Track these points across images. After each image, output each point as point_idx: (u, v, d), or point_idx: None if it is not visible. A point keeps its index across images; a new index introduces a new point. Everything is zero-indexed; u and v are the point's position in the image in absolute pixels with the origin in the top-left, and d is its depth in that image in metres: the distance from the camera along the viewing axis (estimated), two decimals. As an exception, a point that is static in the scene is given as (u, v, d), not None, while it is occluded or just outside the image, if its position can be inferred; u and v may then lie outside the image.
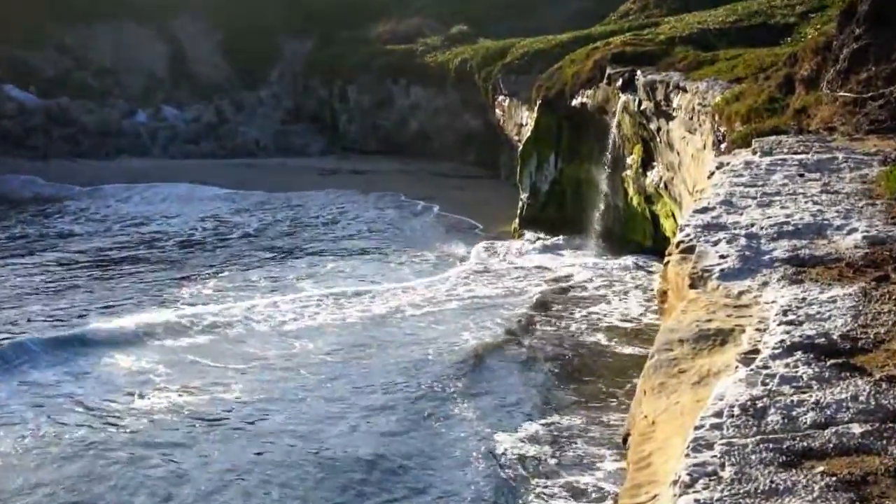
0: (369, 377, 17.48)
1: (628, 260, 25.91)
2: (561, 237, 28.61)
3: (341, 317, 21.20)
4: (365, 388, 16.92)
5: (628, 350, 18.75)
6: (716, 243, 6.30)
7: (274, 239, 30.34)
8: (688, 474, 3.36)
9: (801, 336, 4.48)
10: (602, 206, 27.63)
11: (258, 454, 14.08)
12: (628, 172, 26.29)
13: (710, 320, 5.05)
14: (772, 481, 3.27)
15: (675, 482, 3.36)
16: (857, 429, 3.52)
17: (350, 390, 16.82)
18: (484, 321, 20.90)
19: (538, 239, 28.93)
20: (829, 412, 3.70)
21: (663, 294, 6.71)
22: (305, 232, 31.49)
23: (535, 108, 30.77)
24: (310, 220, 33.45)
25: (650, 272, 24.51)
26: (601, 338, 19.59)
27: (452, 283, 24.21)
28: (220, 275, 25.16)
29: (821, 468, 3.32)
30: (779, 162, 9.23)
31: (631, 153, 26.02)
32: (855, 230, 6.29)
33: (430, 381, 17.24)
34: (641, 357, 17.47)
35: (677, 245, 6.45)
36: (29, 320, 20.68)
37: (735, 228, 6.67)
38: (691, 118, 20.41)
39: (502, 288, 23.71)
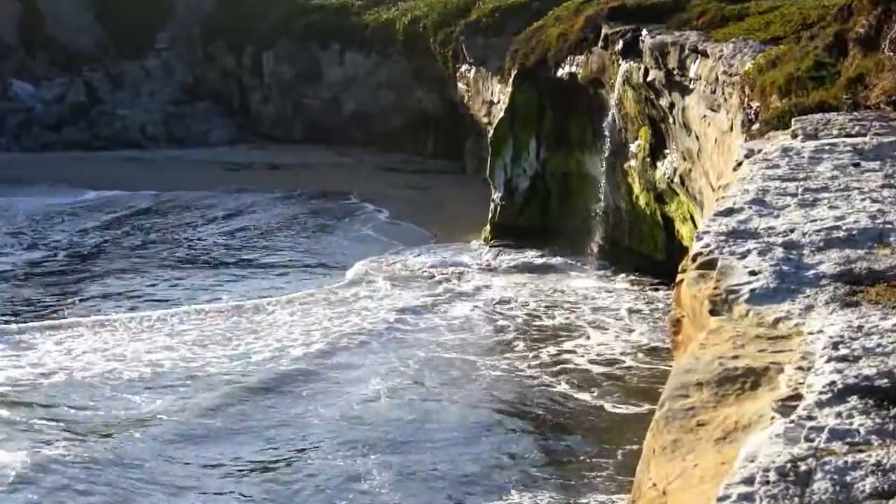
0: (227, 450, 16.98)
1: (625, 282, 26.06)
2: (541, 250, 28.72)
3: (193, 368, 20.81)
4: (221, 467, 16.45)
5: (616, 406, 18.68)
6: (744, 255, 6.31)
7: (117, 262, 29.57)
8: (709, 563, 3.33)
9: (856, 376, 4.48)
10: (599, 208, 27.75)
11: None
12: (633, 163, 26.44)
13: (737, 357, 5.05)
14: (819, 570, 3.25)
15: (692, 574, 3.34)
16: (930, 498, 3.51)
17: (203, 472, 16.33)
18: (407, 365, 20.86)
19: (507, 252, 29.04)
20: (894, 477, 3.70)
21: (676, 323, 6.72)
22: (166, 251, 30.94)
23: (510, 81, 30.89)
24: (187, 237, 32.92)
25: (656, 297, 24.66)
26: (577, 389, 19.53)
27: (377, 320, 24.01)
28: (44, 309, 24.83)
29: (883, 551, 3.31)
30: (827, 147, 9.30)
31: (636, 138, 26.17)
32: (925, 235, 6.34)
33: (320, 451, 16.86)
34: (637, 416, 17.54)
35: (694, 258, 6.46)
36: None
37: (769, 236, 6.69)
38: (714, 91, 20.57)
39: (442, 321, 23.73)
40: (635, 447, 15.92)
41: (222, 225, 34.39)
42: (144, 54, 52.98)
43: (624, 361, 20.85)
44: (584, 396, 19.20)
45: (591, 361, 20.98)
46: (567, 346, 21.91)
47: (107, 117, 49.75)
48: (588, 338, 22.38)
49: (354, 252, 30.24)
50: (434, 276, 27.29)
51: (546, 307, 24.62)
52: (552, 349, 21.72)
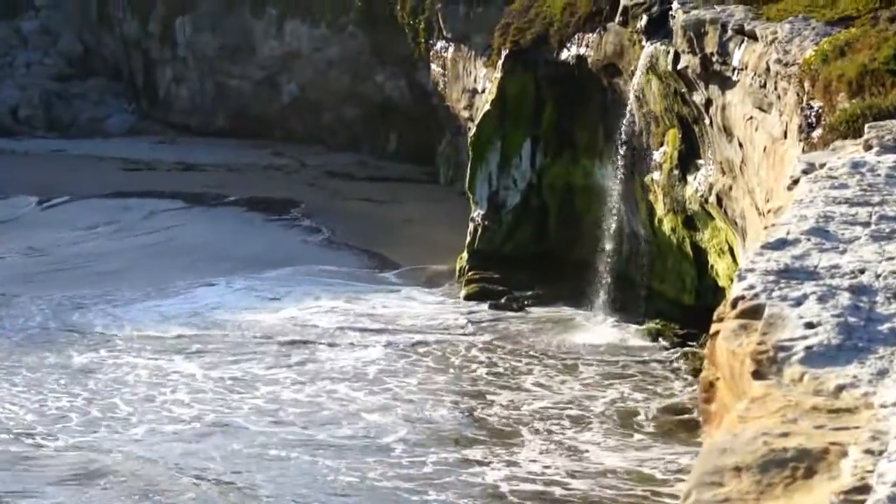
0: None
1: (641, 335, 25.96)
2: (532, 288, 28.67)
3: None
4: None
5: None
6: (799, 302, 6.33)
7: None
8: None
9: (942, 464, 4.50)
10: (611, 234, 27.76)
11: None
12: (656, 176, 26.47)
13: (787, 434, 5.06)
14: None
15: None
16: None
17: None
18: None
19: (482, 291, 29.11)
20: None
21: (709, 387, 6.73)
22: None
23: (500, 65, 30.93)
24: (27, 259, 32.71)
25: (684, 355, 24.58)
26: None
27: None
28: None
29: None
30: (909, 163, 9.36)
31: (661, 144, 26.22)
32: None
33: None
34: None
35: (734, 303, 6.47)
36: None
37: (833, 277, 6.71)
38: (763, 85, 20.65)
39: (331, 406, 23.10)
40: None
41: (76, 245, 34.14)
42: (19, 13, 52.83)
43: (570, 483, 19.76)
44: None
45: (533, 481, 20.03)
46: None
47: (-33, 95, 49.66)
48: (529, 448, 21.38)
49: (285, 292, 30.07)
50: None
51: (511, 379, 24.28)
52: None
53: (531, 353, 25.58)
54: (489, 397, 23.23)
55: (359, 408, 22.68)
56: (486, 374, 24.43)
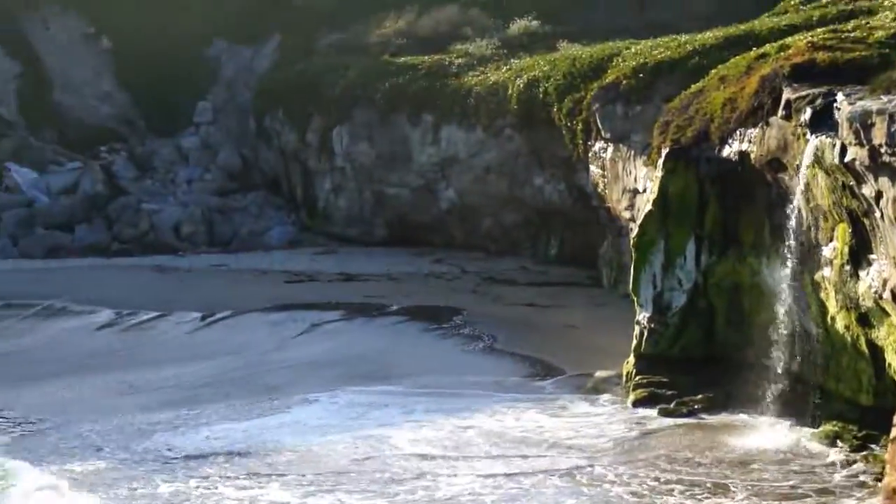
0: None
1: (818, 438, 25.19)
2: (701, 391, 28.20)
3: None
4: None
5: None
6: (983, 405, 6.13)
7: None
8: None
9: None
10: (782, 334, 27.34)
11: None
12: (826, 273, 26.06)
13: (975, 550, 4.88)
14: None
15: None
16: None
17: None
18: None
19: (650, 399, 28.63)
20: None
21: (892, 494, 6.55)
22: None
23: (660, 163, 30.79)
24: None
25: (864, 466, 23.87)
26: None
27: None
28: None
29: None
30: None
31: (830, 239, 25.84)
32: None
33: None
34: None
35: (913, 408, 6.29)
36: None
37: None
38: (936, 176, 20.33)
39: None
40: None
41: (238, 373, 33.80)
42: (180, 130, 53.99)
43: None
44: None
45: None
46: None
47: (131, 213, 50.61)
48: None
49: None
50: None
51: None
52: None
53: (691, 464, 24.24)
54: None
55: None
56: (626, 493, 22.38)
